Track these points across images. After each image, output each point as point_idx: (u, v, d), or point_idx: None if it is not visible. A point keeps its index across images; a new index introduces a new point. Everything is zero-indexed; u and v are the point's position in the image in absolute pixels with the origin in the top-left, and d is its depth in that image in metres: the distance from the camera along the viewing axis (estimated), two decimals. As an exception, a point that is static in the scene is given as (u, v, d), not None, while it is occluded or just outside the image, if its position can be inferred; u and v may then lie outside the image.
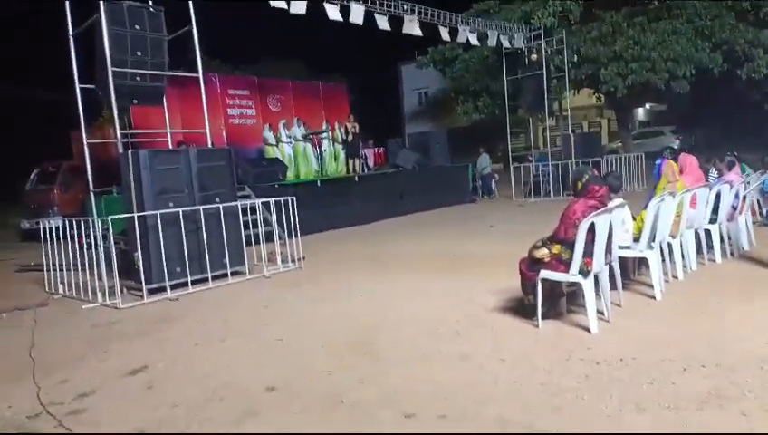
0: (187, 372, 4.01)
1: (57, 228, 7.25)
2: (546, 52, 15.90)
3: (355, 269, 7.47)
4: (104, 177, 10.06)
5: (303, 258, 7.96)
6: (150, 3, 7.91)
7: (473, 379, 3.47)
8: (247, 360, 4.20)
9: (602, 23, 18.60)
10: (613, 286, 4.68)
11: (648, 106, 30.49)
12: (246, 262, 7.57)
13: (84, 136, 7.69)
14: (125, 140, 8.77)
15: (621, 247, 4.91)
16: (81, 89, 7.56)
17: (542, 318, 4.35)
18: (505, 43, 15.40)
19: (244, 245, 7.67)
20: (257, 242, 8.03)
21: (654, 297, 4.93)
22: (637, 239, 5.13)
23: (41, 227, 7.67)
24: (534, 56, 15.73)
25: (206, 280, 6.95)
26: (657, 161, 6.57)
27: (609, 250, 4.46)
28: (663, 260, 5.41)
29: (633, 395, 3.07)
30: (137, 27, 7.24)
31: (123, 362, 4.33)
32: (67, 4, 7.42)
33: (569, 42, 16.82)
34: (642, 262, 5.43)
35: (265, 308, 5.78)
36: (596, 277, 4.37)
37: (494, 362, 3.72)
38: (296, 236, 7.89)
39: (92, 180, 7.70)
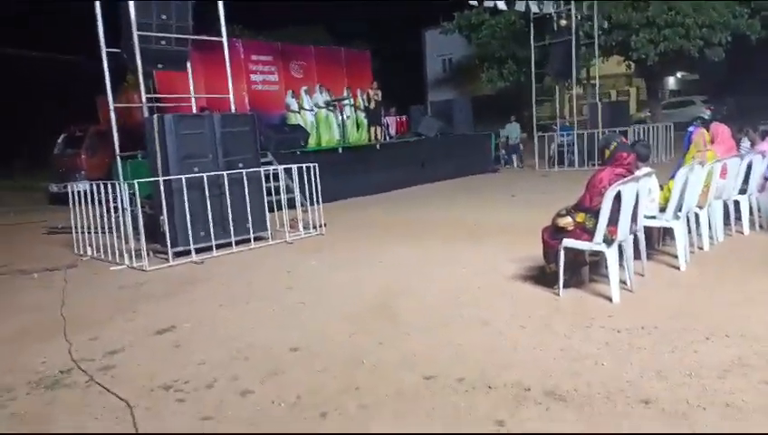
0: (212, 333, 4.12)
1: (84, 192, 7.39)
2: (576, 17, 15.41)
3: (376, 236, 7.51)
4: (130, 141, 10.18)
5: (325, 225, 8.02)
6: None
7: (493, 344, 3.50)
8: (270, 322, 4.29)
9: (635, -14, 17.93)
10: (637, 256, 4.63)
11: (679, 75, 29.55)
12: (269, 227, 7.66)
13: (111, 101, 7.76)
14: (150, 104, 8.85)
15: (647, 217, 4.84)
16: (107, 53, 7.60)
17: (564, 287, 4.34)
18: (534, 8, 14.98)
19: (267, 210, 7.74)
20: (280, 208, 8.10)
21: (678, 268, 4.87)
22: (663, 209, 5.04)
23: (68, 190, 7.83)
24: (564, 22, 15.27)
25: (229, 244, 7.05)
26: (690, 129, 6.39)
27: (634, 219, 4.39)
28: (689, 231, 5.32)
29: (654, 362, 3.06)
30: (162, -9, 7.22)
31: (150, 321, 4.46)
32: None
33: (599, 7, 16.28)
34: (667, 232, 5.36)
35: (288, 273, 5.86)
36: (620, 247, 4.32)
37: (515, 328, 3.74)
38: (318, 202, 7.94)
39: (118, 145, 7.80)
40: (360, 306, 4.47)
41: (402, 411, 2.72)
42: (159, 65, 8.12)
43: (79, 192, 7.48)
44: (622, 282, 4.36)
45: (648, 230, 5.09)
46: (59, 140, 15.79)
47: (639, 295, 4.25)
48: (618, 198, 4.08)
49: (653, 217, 4.99)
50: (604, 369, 3.03)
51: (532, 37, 15.98)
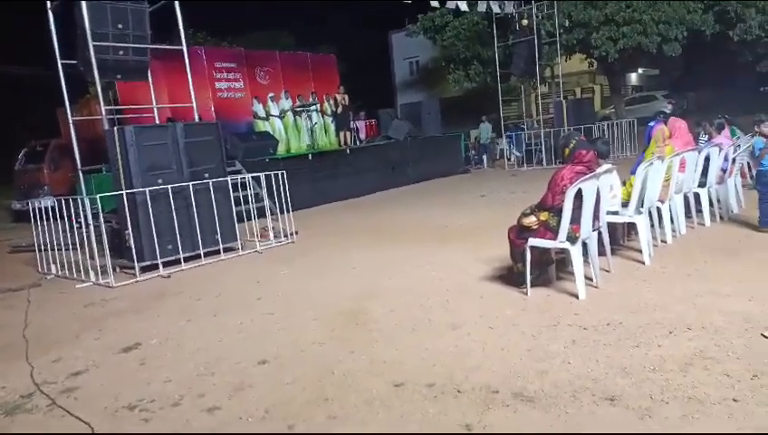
0: (179, 349, 4.04)
1: (47, 208, 7.20)
2: (537, 17, 15.67)
3: (347, 242, 7.48)
4: (93, 154, 9.95)
5: (296, 233, 7.96)
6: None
7: (461, 347, 3.51)
8: (239, 335, 4.23)
9: (594, -15, 18.31)
10: (602, 252, 4.71)
11: (640, 71, 30.28)
12: (239, 238, 7.56)
13: (69, 114, 7.58)
14: (111, 116, 8.67)
15: (609, 213, 4.93)
16: (63, 65, 7.42)
17: (531, 286, 4.39)
18: (495, 9, 15.18)
19: (236, 221, 7.64)
20: (250, 218, 8.01)
21: (643, 262, 4.97)
22: (626, 204, 5.15)
23: (30, 207, 7.62)
24: (525, 21, 15.51)
25: (198, 257, 6.95)
26: (650, 124, 6.53)
27: (596, 216, 4.47)
28: (652, 225, 5.44)
29: (619, 359, 3.11)
30: (116, -2, 7.07)
31: (116, 339, 4.36)
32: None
33: (559, 6, 16.60)
34: (632, 227, 5.47)
35: (258, 283, 5.79)
36: (584, 244, 4.39)
37: (483, 329, 3.76)
38: (288, 210, 7.88)
39: (81, 159, 7.62)
40: (331, 314, 4.44)
41: (371, 421, 2.70)
42: (118, 76, 7.97)
43: (41, 209, 7.29)
44: (588, 278, 4.43)
45: (612, 226, 5.18)
46: (20, 156, 15.34)
47: (605, 291, 4.33)
48: (579, 195, 4.14)
49: (616, 213, 5.09)
50: (571, 367, 3.06)
51: (495, 37, 16.19)
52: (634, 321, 3.64)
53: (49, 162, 14.52)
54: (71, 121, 7.54)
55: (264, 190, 8.18)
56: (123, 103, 11.42)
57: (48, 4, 7.31)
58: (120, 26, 7.15)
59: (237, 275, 6.32)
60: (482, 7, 14.84)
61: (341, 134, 14.46)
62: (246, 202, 8.06)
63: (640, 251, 5.06)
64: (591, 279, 4.47)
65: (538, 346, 3.39)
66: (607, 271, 4.74)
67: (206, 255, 7.01)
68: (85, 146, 8.30)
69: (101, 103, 7.41)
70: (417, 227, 8.05)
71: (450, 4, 13.99)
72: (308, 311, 4.59)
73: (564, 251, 4.39)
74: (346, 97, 14.43)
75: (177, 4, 7.74)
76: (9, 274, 7.53)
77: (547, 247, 4.40)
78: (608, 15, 17.83)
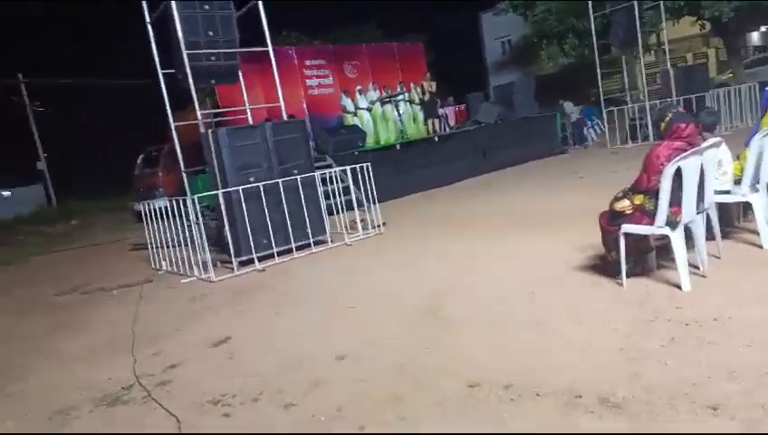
0: (265, 343, 4.17)
1: (161, 209, 7.76)
2: (636, -20, 14.40)
3: (436, 233, 7.37)
4: (201, 156, 10.61)
5: (384, 224, 7.97)
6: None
7: (544, 345, 3.29)
8: (322, 329, 4.29)
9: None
10: (711, 237, 4.22)
11: (763, 29, 26.97)
12: (328, 231, 7.70)
13: (171, 119, 8.09)
14: (208, 120, 9.16)
15: (719, 192, 4.40)
16: (163, 74, 7.93)
17: (628, 276, 4.02)
18: (590, -24, 14.17)
19: (326, 214, 7.79)
20: (339, 211, 8.13)
21: (761, 246, 4.39)
22: (738, 181, 4.58)
23: (142, 208, 8.28)
24: (624, -14, 14.32)
25: (290, 251, 7.16)
26: (767, 91, 5.76)
27: (701, 197, 4.00)
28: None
29: (726, 360, 2.75)
30: (206, 7, 7.39)
31: (211, 333, 4.58)
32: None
33: (663, -34, 15.13)
34: (747, 207, 4.85)
35: (343, 276, 5.86)
36: (687, 228, 3.95)
37: (570, 325, 3.50)
38: (375, 202, 7.90)
39: (184, 161, 8.11)
40: (412, 308, 4.37)
41: (441, 424, 2.60)
42: (212, 81, 8.38)
43: (153, 209, 7.88)
44: (694, 266, 3.99)
45: (725, 207, 4.64)
46: (138, 161, 16.74)
47: (713, 281, 3.87)
48: (678, 174, 3.72)
49: (727, 192, 4.54)
50: (667, 369, 2.75)
51: (590, 7, 15.12)
52: (747, 315, 3.21)
53: (163, 165, 15.69)
54: (172, 127, 8.06)
55: (352, 183, 8.25)
56: (224, 106, 12.01)
57: (147, 18, 7.82)
58: (210, 33, 7.49)
59: (325, 268, 6.43)
60: (575, -24, 13.91)
61: (430, 122, 14.28)
62: (336, 195, 8.20)
63: (758, 233, 4.48)
64: (698, 267, 4.02)
65: (631, 344, 3.09)
66: (717, 257, 4.24)
67: (298, 248, 7.21)
68: (193, 149, 8.79)
69: (197, 108, 7.83)
70: (508, 214, 7.75)
71: (540, -23, 13.26)
72: (389, 305, 4.56)
73: (665, 237, 3.98)
74: (433, 84, 14.22)
75: (261, 6, 7.97)
76: (128, 270, 8.21)
77: (644, 234, 4.01)
78: (721, -30, 16.03)
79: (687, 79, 14.09)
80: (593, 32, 15.24)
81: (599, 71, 15.48)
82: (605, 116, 15.10)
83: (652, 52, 18.37)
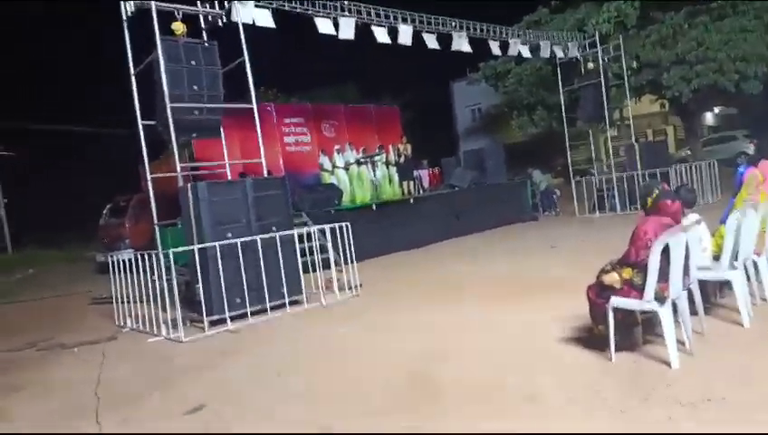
0: (239, 412, 3.95)
1: (126, 261, 7.47)
2: (603, 59, 15.31)
3: (412, 296, 7.30)
4: (172, 209, 10.37)
5: (360, 285, 7.86)
6: (205, 38, 8.18)
7: (539, 424, 3.20)
8: (301, 398, 4.10)
9: (662, 25, 17.76)
10: (693, 312, 4.28)
11: (716, 110, 28.81)
12: (304, 291, 7.54)
13: (147, 171, 7.95)
14: (186, 173, 9.04)
15: (700, 268, 4.51)
16: (143, 125, 7.85)
17: (616, 350, 4.01)
18: (559, 54, 14.97)
19: (302, 273, 7.64)
20: (314, 269, 8.00)
21: (741, 324, 4.47)
22: (716, 258, 4.70)
23: (105, 260, 7.95)
24: (591, 65, 15.17)
25: (264, 311, 6.95)
26: (740, 169, 6.02)
27: (687, 273, 4.08)
28: (748, 280, 4.93)
29: (726, 443, 2.73)
30: (192, 63, 7.40)
31: (181, 399, 4.33)
32: (128, 45, 7.75)
33: (626, 47, 16.16)
34: (725, 284, 4.97)
35: (321, 340, 5.69)
36: (674, 304, 4.00)
37: (562, 400, 3.44)
38: (352, 262, 7.81)
39: (158, 213, 7.90)
40: (396, 378, 4.23)
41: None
42: (194, 135, 8.32)
43: (120, 262, 7.57)
44: (680, 342, 4.01)
45: (702, 283, 4.74)
46: (104, 210, 16.31)
47: (701, 359, 3.89)
48: (665, 250, 3.80)
49: (707, 269, 4.65)
50: (669, 452, 2.71)
51: (560, 82, 15.92)
52: (739, 396, 3.21)
53: (131, 216, 15.31)
54: (148, 178, 7.90)
55: (329, 242, 8.17)
56: (199, 160, 11.92)
57: (131, 69, 7.80)
58: (195, 87, 7.48)
59: (302, 330, 6.24)
60: (545, 53, 14.68)
61: (405, 184, 14.47)
62: (312, 253, 8.08)
63: (736, 310, 4.57)
64: (683, 343, 4.04)
65: (629, 423, 3.03)
66: (701, 334, 4.29)
67: (273, 308, 7.01)
68: (165, 201, 8.62)
69: (177, 161, 7.73)
70: (485, 280, 7.75)
71: (512, 52, 13.91)
72: (372, 373, 4.41)
73: (650, 312, 4.01)
74: (408, 147, 14.52)
75: (247, 64, 8.07)
76: (88, 326, 7.79)
77: (632, 308, 4.04)
78: (679, 55, 17.16)
79: (650, 153, 14.81)
80: (563, 105, 15.97)
81: (567, 142, 16.13)
82: (573, 185, 15.59)
83: (616, 126, 19.27)
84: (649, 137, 24.86)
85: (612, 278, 4.02)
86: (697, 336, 4.20)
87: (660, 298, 3.85)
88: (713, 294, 5.13)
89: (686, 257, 4.00)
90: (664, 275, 3.85)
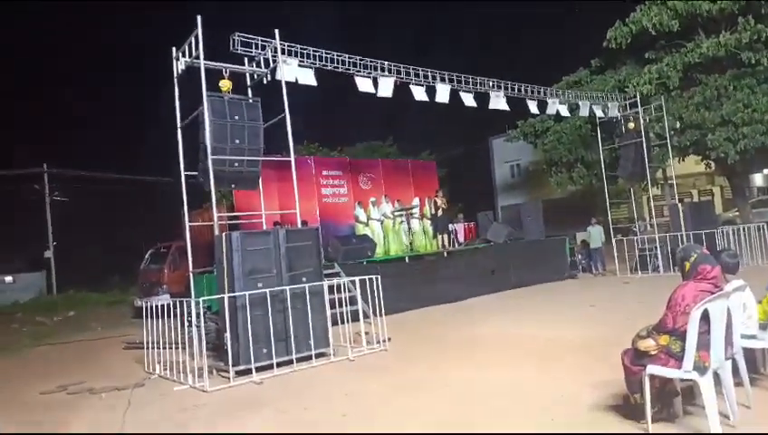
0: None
1: (160, 307, 7.58)
2: (644, 120, 15.14)
3: (441, 354, 7.10)
4: (211, 257, 10.62)
5: (389, 339, 7.72)
6: (250, 94, 8.53)
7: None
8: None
9: (705, 87, 17.46)
10: (738, 383, 4.00)
11: (766, 171, 27.93)
12: (331, 343, 7.45)
13: (186, 219, 8.19)
14: (223, 222, 9.26)
15: (745, 337, 4.24)
16: (185, 176, 8.14)
17: (653, 421, 3.76)
18: (599, 113, 14.93)
19: (330, 324, 7.57)
20: (344, 321, 7.91)
21: (792, 398, 4.15)
22: (764, 326, 4.42)
23: (142, 305, 8.11)
24: (632, 124, 15.02)
25: (290, 362, 6.88)
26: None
27: (729, 341, 3.84)
28: (800, 352, 4.61)
29: None
30: (236, 118, 7.67)
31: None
32: (176, 101, 8.16)
33: (669, 108, 15.95)
34: (774, 353, 4.66)
35: (346, 396, 5.55)
36: (716, 374, 3.75)
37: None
38: (381, 315, 7.71)
39: (197, 261, 8.07)
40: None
41: None
42: (233, 186, 8.57)
43: (153, 307, 7.69)
44: (723, 415, 3.74)
45: (748, 352, 4.45)
46: (146, 256, 16.79)
47: (746, 432, 3.60)
48: (705, 317, 3.60)
49: (753, 337, 4.37)
50: None
51: (599, 140, 15.77)
52: (790, 480, 2.94)
53: (170, 263, 15.70)
54: (186, 226, 8.12)
55: (359, 294, 8.11)
56: (239, 209, 12.24)
57: (178, 123, 8.17)
58: (237, 141, 7.73)
59: (327, 385, 6.12)
60: (584, 112, 14.66)
61: (440, 237, 14.40)
62: (342, 305, 8.03)
63: (788, 383, 4.25)
64: (727, 416, 3.76)
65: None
66: (746, 407, 3.99)
67: (299, 360, 6.93)
68: (204, 249, 8.79)
69: (214, 210, 7.93)
70: (517, 340, 7.48)
71: (550, 110, 13.96)
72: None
73: (690, 381, 3.76)
74: (444, 200, 14.53)
75: (288, 120, 8.30)
76: (119, 371, 7.86)
77: (669, 377, 3.81)
78: (724, 116, 16.79)
79: (695, 214, 14.31)
80: (602, 163, 15.75)
81: (607, 200, 15.81)
82: (614, 244, 15.16)
83: (658, 185, 18.82)
84: (695, 197, 24.17)
85: (648, 344, 3.81)
86: (743, 409, 3.91)
87: (700, 368, 3.62)
88: (761, 365, 4.80)
89: (728, 325, 3.78)
90: (704, 343, 3.63)
